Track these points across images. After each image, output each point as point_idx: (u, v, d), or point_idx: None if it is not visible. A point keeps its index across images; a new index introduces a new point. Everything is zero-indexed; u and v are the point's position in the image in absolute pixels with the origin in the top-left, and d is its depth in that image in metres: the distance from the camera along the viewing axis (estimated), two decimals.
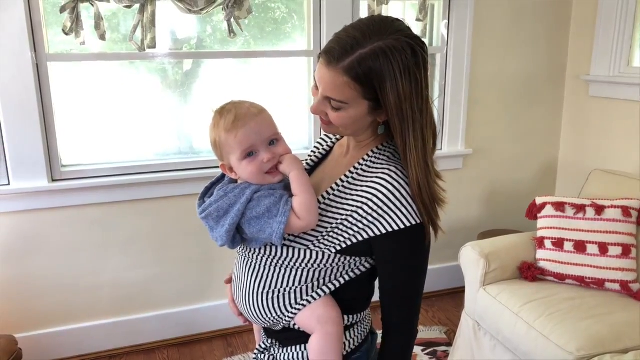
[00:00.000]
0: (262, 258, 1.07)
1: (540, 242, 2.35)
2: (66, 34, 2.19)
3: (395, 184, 0.99)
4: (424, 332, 2.78)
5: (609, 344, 1.87)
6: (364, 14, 2.65)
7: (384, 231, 0.99)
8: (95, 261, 2.52)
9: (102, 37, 2.25)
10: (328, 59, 0.97)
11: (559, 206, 2.35)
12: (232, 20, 2.38)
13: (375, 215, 0.99)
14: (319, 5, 2.62)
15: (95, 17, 2.22)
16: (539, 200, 2.43)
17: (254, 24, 2.62)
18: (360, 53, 0.94)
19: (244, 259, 1.11)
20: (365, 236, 1.01)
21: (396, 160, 1.05)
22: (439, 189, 1.03)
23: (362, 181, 1.03)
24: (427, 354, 2.60)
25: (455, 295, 3.10)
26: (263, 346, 1.18)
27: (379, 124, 1.06)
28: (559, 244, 2.29)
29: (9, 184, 2.31)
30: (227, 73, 2.64)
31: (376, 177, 1.01)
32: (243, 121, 1.03)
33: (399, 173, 1.00)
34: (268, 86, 2.72)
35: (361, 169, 1.05)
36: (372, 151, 1.07)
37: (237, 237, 1.06)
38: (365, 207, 1.00)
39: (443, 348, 2.64)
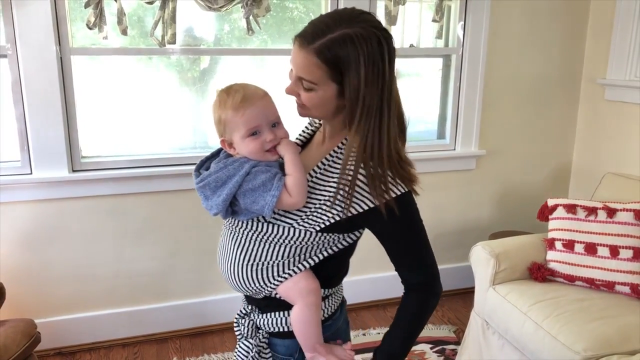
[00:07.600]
0: (248, 232, 1.15)
1: (550, 244, 2.36)
2: (90, 28, 2.26)
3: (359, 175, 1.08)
4: (433, 331, 2.80)
5: (617, 345, 1.88)
6: (380, 14, 2.68)
7: (360, 210, 1.09)
8: (111, 251, 2.58)
9: (124, 32, 2.31)
10: (301, 41, 1.06)
11: (571, 208, 2.35)
12: (251, 18, 2.43)
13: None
14: (337, 5, 2.66)
15: (117, 13, 2.28)
16: (551, 202, 2.44)
17: (272, 23, 2.67)
18: (330, 37, 1.02)
19: (230, 232, 1.18)
20: (348, 214, 1.09)
21: None
22: (406, 173, 1.10)
23: (336, 168, 1.12)
24: (435, 352, 2.62)
25: (465, 295, 3.11)
26: (244, 311, 1.26)
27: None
28: (569, 245, 2.30)
29: (31, 174, 2.38)
30: (244, 71, 2.68)
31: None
32: (250, 101, 1.11)
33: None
34: (284, 85, 2.75)
35: (337, 156, 1.14)
36: (343, 140, 1.14)
37: (229, 208, 1.12)
38: (342, 192, 1.09)
39: (452, 347, 2.66)
